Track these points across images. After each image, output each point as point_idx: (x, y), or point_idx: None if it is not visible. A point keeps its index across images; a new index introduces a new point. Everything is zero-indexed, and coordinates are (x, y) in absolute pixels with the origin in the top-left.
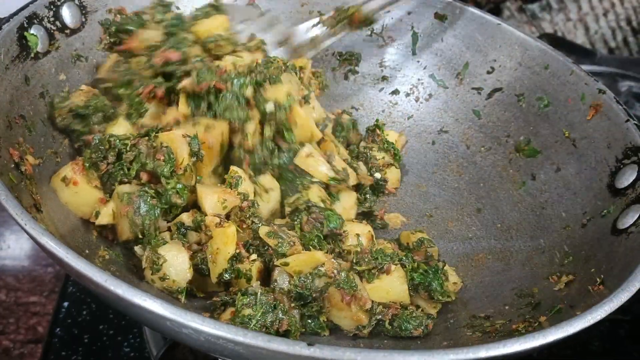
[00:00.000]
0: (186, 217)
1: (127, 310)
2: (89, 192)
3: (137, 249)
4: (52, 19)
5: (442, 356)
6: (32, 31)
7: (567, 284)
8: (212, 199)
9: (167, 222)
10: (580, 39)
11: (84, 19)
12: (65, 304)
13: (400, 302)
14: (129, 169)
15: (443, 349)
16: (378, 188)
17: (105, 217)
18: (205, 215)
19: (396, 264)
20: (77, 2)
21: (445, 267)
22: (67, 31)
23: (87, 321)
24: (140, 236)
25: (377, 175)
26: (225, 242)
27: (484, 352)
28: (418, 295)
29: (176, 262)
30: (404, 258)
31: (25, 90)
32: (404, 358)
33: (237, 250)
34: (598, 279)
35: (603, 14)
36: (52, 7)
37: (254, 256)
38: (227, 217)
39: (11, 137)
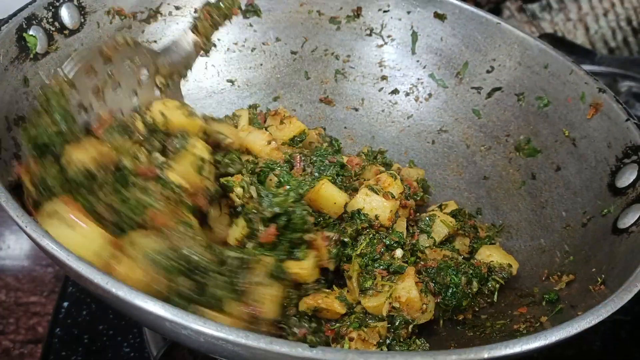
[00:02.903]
0: None
1: (127, 311)
2: (98, 234)
3: None
4: (51, 20)
5: (444, 357)
6: (31, 32)
7: (568, 283)
8: None
9: None
10: (580, 39)
11: (82, 20)
12: (65, 304)
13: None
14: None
15: (445, 350)
16: None
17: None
18: None
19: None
20: (75, 2)
21: None
22: (66, 32)
23: (87, 321)
24: None
25: None
26: None
27: (486, 353)
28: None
29: None
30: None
31: (24, 91)
32: (405, 359)
33: None
34: (599, 279)
35: (603, 14)
36: (51, 7)
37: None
38: None
39: (10, 139)
